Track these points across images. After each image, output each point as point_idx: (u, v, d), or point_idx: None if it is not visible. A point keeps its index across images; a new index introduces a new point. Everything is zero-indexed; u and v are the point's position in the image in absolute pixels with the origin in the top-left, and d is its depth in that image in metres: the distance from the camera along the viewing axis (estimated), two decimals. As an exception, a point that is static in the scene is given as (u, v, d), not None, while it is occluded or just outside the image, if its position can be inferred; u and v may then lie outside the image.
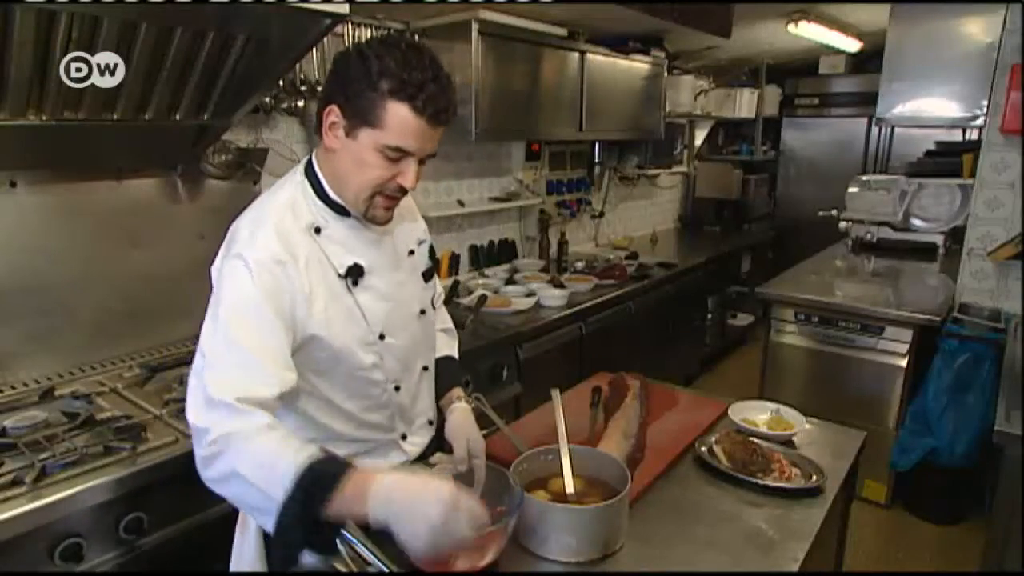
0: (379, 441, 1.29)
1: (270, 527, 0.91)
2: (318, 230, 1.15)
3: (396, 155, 1.07)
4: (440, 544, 0.89)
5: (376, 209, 1.14)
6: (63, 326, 1.91)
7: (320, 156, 1.18)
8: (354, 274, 1.16)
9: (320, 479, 0.90)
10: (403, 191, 1.12)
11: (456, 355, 1.51)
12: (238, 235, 1.11)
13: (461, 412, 1.33)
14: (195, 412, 0.98)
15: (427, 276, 1.36)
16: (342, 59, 1.08)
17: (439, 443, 1.40)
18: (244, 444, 0.93)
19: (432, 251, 1.41)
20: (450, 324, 1.55)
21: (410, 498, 0.90)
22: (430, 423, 1.40)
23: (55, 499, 1.31)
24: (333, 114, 1.08)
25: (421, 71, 1.03)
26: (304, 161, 1.21)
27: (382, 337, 1.21)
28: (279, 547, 0.96)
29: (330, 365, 1.17)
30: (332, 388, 1.20)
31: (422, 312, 1.33)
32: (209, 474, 0.96)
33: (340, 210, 1.17)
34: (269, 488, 0.90)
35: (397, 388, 1.27)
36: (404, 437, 1.33)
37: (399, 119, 1.04)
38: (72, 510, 1.34)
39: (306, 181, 1.18)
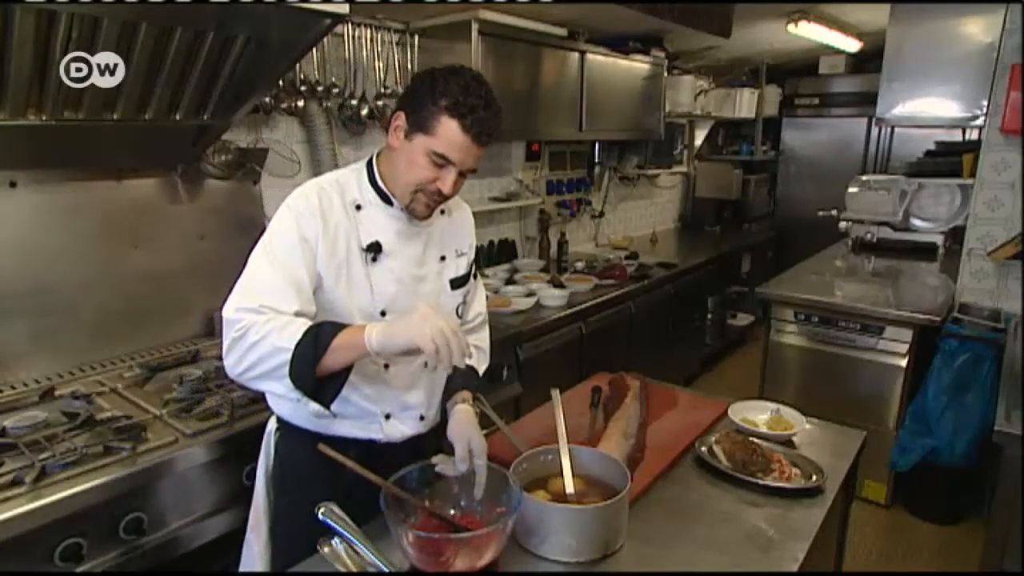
0: (362, 410, 1.35)
1: (287, 376, 1.11)
2: (359, 207, 1.33)
3: (440, 161, 1.24)
4: (426, 324, 1.07)
5: (417, 204, 1.30)
6: (63, 326, 1.91)
7: (383, 153, 1.36)
8: (374, 250, 1.32)
9: (324, 327, 1.13)
10: (441, 195, 1.28)
11: (479, 369, 1.51)
12: (294, 193, 1.30)
13: (463, 413, 1.34)
14: (228, 308, 1.18)
15: (455, 284, 1.45)
16: (417, 77, 1.28)
17: (439, 444, 1.40)
18: (263, 323, 1.13)
19: (472, 267, 1.51)
20: (485, 345, 1.58)
21: (400, 321, 1.13)
22: (422, 418, 1.41)
23: (55, 499, 1.31)
24: (399, 119, 1.27)
25: (476, 98, 1.22)
26: (372, 155, 1.38)
27: (383, 314, 1.32)
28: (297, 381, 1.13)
29: (328, 319, 1.26)
30: None
31: None
32: (232, 356, 1.16)
33: (384, 197, 1.34)
34: (283, 342, 1.11)
35: (387, 367, 1.35)
36: (388, 417, 1.37)
37: (449, 132, 1.21)
38: (72, 510, 1.34)
39: (363, 169, 1.36)
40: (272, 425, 1.43)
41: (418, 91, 1.25)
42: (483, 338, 1.58)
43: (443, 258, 1.43)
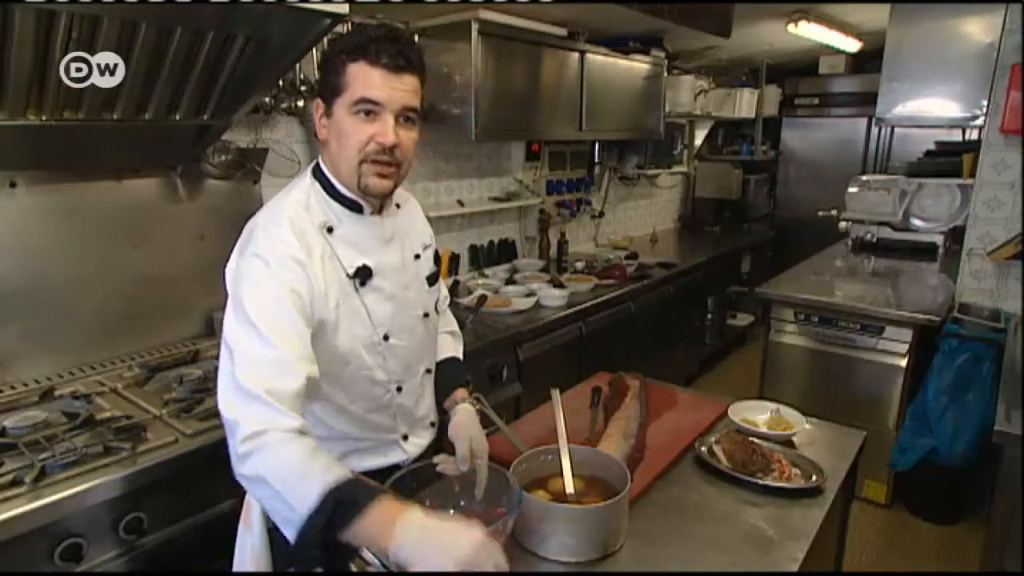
0: (381, 440, 1.31)
1: (292, 538, 0.91)
2: (330, 229, 1.18)
3: (367, 108, 1.11)
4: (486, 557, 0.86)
5: (368, 178, 1.15)
6: (63, 326, 1.91)
7: (321, 155, 1.23)
8: (362, 275, 1.19)
9: (345, 504, 0.89)
10: (389, 153, 1.13)
11: (460, 356, 1.52)
12: (255, 235, 1.13)
13: (464, 413, 1.34)
14: (226, 405, 1.00)
15: (431, 280, 1.38)
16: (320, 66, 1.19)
17: (439, 444, 1.40)
18: (274, 451, 0.94)
19: (437, 256, 1.43)
20: (455, 327, 1.57)
21: (442, 533, 0.88)
22: (432, 424, 1.41)
23: (55, 499, 1.31)
24: (319, 108, 1.17)
25: (374, 31, 1.11)
26: (311, 165, 1.24)
27: (386, 338, 1.24)
28: (297, 557, 0.97)
29: (337, 367, 1.20)
30: (338, 390, 1.22)
31: (425, 315, 1.35)
32: (242, 471, 0.97)
33: (352, 205, 1.21)
34: (294, 501, 0.90)
35: (399, 389, 1.30)
36: (405, 437, 1.35)
37: (358, 74, 1.10)
38: (72, 510, 1.34)
39: (316, 183, 1.21)
40: None
41: (321, 70, 1.18)
42: (451, 320, 1.56)
43: (417, 256, 1.35)
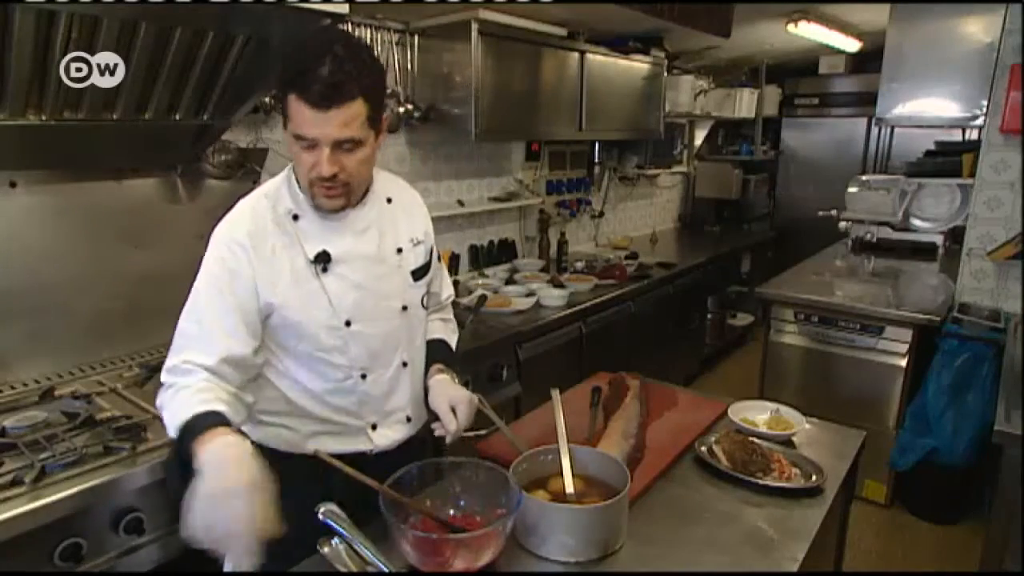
0: (347, 425, 1.32)
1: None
2: (296, 217, 1.25)
3: (305, 144, 1.14)
4: (203, 522, 0.91)
5: (319, 198, 1.21)
6: (63, 326, 1.91)
7: None
8: (322, 260, 1.24)
9: (191, 428, 1.02)
10: (333, 179, 1.16)
11: (448, 340, 1.53)
12: (224, 218, 1.24)
13: (438, 382, 1.36)
14: (164, 369, 1.16)
15: (417, 275, 1.38)
16: None
17: (423, 440, 1.42)
18: (173, 397, 1.10)
19: (433, 253, 1.44)
20: (450, 315, 1.60)
21: (213, 468, 0.95)
22: (408, 419, 1.40)
23: (55, 499, 1.31)
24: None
25: (313, 58, 1.08)
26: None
27: (348, 324, 1.27)
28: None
29: (292, 342, 1.25)
30: (297, 366, 1.28)
31: (404, 308, 1.35)
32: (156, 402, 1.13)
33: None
34: (172, 430, 1.06)
35: (364, 376, 1.31)
36: (375, 427, 1.35)
37: (292, 108, 1.12)
38: (72, 510, 1.34)
39: (292, 174, 1.28)
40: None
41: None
42: (450, 310, 1.59)
43: (400, 250, 1.35)
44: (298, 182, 1.25)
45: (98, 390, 1.80)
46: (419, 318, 1.41)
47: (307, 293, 1.23)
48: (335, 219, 1.26)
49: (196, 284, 1.20)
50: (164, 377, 1.14)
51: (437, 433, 1.26)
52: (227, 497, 0.90)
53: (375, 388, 1.33)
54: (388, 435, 1.37)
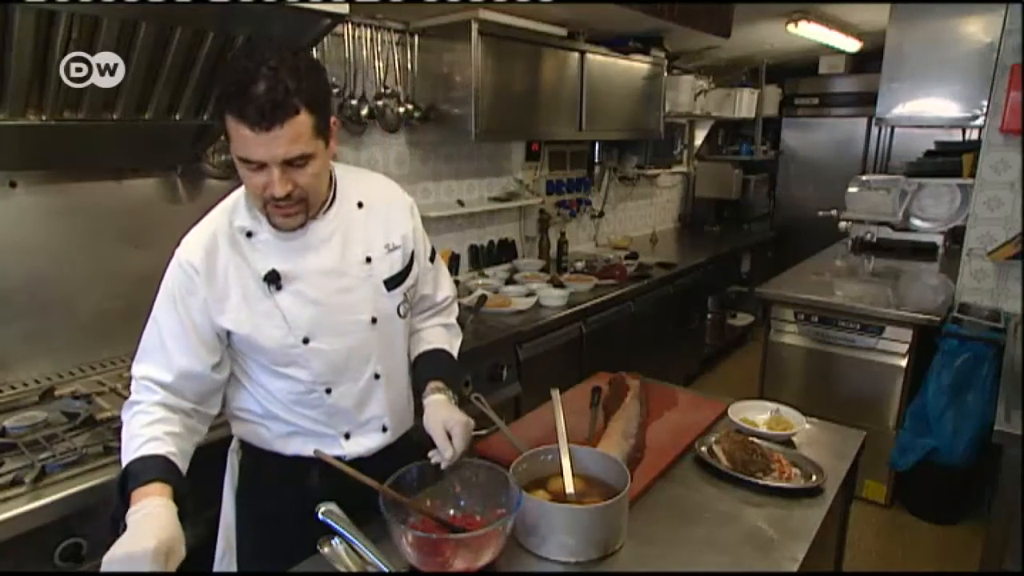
0: (317, 432, 1.28)
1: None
2: (250, 234, 1.21)
3: (252, 166, 1.08)
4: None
5: (275, 218, 1.16)
6: (63, 326, 1.91)
7: None
8: (272, 279, 1.19)
9: (133, 474, 1.07)
10: (288, 198, 1.11)
11: (450, 348, 1.46)
12: (186, 235, 1.24)
13: (433, 403, 1.29)
14: (132, 374, 1.21)
15: (391, 284, 1.30)
16: None
17: (406, 447, 1.36)
18: (129, 422, 1.15)
19: (412, 258, 1.35)
20: (453, 319, 1.53)
21: (132, 527, 1.00)
22: (384, 429, 1.34)
23: (55, 499, 1.31)
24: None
25: (246, 78, 1.01)
26: None
27: (307, 341, 1.22)
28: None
29: (255, 354, 1.24)
30: (266, 376, 1.26)
31: (374, 320, 1.28)
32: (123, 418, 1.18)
33: None
34: (123, 461, 1.10)
35: (328, 391, 1.26)
36: (348, 436, 1.30)
37: (232, 129, 1.05)
38: (72, 510, 1.34)
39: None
40: (235, 443, 1.38)
41: None
42: (452, 312, 1.53)
43: (369, 259, 1.27)
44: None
45: (98, 390, 1.80)
46: (396, 328, 1.34)
47: (259, 313, 1.19)
48: (292, 235, 1.20)
49: (158, 297, 1.21)
50: (131, 385, 1.19)
51: (433, 460, 1.20)
52: (131, 561, 0.94)
53: (343, 401, 1.27)
54: (363, 443, 1.31)
